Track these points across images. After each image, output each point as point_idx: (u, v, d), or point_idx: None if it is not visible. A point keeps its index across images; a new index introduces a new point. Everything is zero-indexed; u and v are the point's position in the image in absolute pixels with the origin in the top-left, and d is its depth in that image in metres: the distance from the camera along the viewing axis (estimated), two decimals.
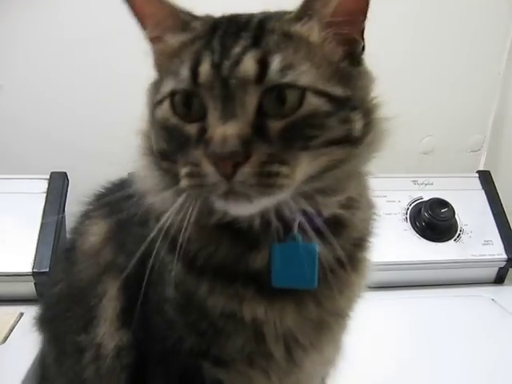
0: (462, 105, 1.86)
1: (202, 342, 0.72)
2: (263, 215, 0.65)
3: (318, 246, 0.68)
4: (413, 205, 1.60)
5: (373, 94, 0.68)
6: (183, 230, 0.63)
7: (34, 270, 1.30)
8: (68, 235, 0.98)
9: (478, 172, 1.73)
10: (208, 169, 0.57)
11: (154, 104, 0.65)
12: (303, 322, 0.72)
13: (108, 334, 0.79)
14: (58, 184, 1.48)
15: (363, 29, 0.67)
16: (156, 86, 0.68)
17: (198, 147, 0.59)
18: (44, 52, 1.63)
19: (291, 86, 0.59)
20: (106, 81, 1.71)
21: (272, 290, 0.69)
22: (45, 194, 1.45)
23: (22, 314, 1.25)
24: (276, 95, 0.59)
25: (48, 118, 1.71)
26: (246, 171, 0.56)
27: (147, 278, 0.74)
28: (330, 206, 0.67)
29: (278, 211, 0.64)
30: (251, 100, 0.58)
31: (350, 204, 0.70)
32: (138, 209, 0.78)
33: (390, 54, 1.67)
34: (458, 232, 1.57)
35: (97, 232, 0.86)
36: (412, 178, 1.66)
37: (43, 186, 1.47)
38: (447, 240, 1.56)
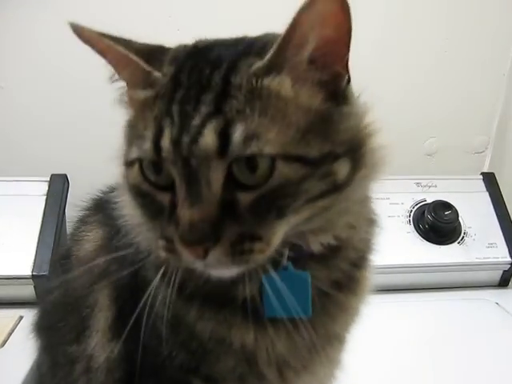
0: (466, 106, 1.84)
1: (192, 360, 0.70)
2: None
3: (309, 275, 0.66)
4: (416, 207, 1.59)
5: (363, 125, 0.62)
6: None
7: (34, 273, 1.29)
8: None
9: (483, 174, 1.71)
10: (181, 249, 0.55)
11: (125, 163, 0.61)
12: (295, 348, 0.70)
13: (99, 345, 0.77)
14: (59, 186, 1.47)
15: (347, 60, 0.60)
16: (128, 138, 0.62)
17: (170, 222, 0.56)
18: (44, 53, 1.63)
19: (256, 156, 0.53)
20: (107, 82, 1.70)
21: (262, 318, 0.66)
22: (45, 197, 1.45)
23: (21, 318, 1.25)
24: (244, 165, 0.54)
25: (48, 120, 1.71)
26: (217, 253, 0.54)
27: (139, 288, 0.73)
28: (321, 242, 0.65)
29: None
30: (216, 176, 0.54)
31: (345, 230, 0.67)
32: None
33: (393, 56, 1.67)
34: (462, 235, 1.56)
35: (92, 239, 0.84)
36: (415, 180, 1.65)
37: (43, 188, 1.46)
38: (451, 243, 1.55)
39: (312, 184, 0.56)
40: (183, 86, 0.57)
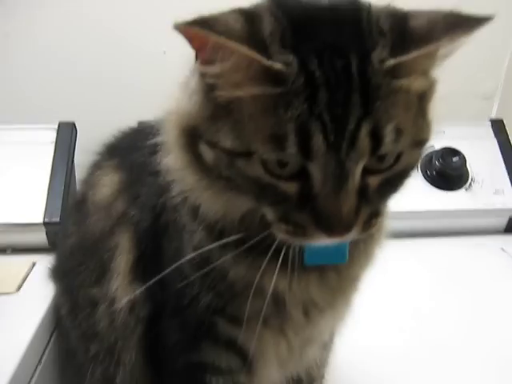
0: (474, 50, 1.81)
1: (219, 302, 0.72)
2: None
3: None
4: (424, 153, 1.57)
5: None
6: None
7: (46, 220, 1.30)
8: (78, 186, 0.98)
9: (491, 121, 1.70)
10: (316, 234, 0.57)
11: (231, 152, 0.57)
12: (324, 290, 0.73)
13: (121, 287, 0.80)
14: (67, 134, 1.47)
15: None
16: (214, 112, 0.58)
17: (301, 211, 0.57)
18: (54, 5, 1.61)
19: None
20: (114, 32, 1.70)
21: (295, 265, 0.68)
22: (54, 144, 1.45)
23: (34, 264, 1.26)
24: (378, 156, 0.56)
25: (56, 68, 1.70)
26: (352, 233, 0.58)
27: (161, 231, 0.75)
28: None
29: None
30: (359, 170, 0.56)
31: None
32: (152, 158, 0.77)
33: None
34: (469, 181, 1.56)
35: (108, 183, 0.85)
36: None
37: (52, 135, 1.46)
38: (458, 189, 1.55)
39: (415, 167, 0.63)
40: (320, 83, 0.53)
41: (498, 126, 1.68)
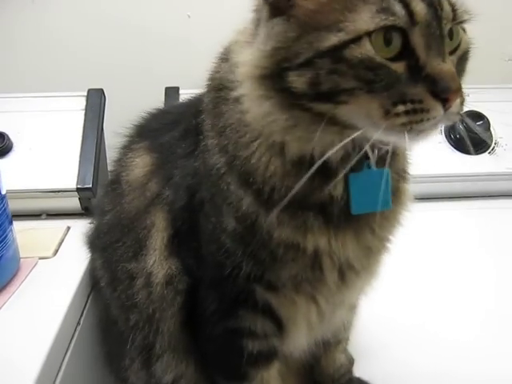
0: (498, 11, 1.79)
1: (259, 269, 0.76)
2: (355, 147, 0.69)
3: (389, 171, 0.73)
4: None
5: None
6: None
7: (78, 186, 1.34)
8: (110, 166, 1.01)
9: None
10: (433, 104, 0.60)
11: (338, 45, 0.60)
12: (359, 250, 0.77)
13: (158, 262, 0.84)
14: (96, 101, 1.49)
15: None
16: (302, 32, 0.62)
17: (414, 85, 0.61)
18: None
19: (463, 22, 0.67)
20: (143, 2, 1.72)
21: (336, 222, 0.73)
22: (83, 111, 1.47)
23: (69, 228, 1.31)
24: (448, 33, 0.64)
25: (85, 37, 1.72)
26: (458, 102, 0.63)
27: (197, 209, 0.78)
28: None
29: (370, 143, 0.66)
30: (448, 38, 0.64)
31: None
32: (183, 141, 0.82)
33: None
34: (493, 145, 1.56)
35: (141, 164, 0.89)
36: None
37: (81, 103, 1.49)
38: (482, 153, 1.55)
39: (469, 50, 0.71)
40: None
41: None
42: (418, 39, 0.61)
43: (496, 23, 1.79)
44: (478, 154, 1.55)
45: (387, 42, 0.60)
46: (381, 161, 0.71)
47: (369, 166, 0.72)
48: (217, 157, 0.75)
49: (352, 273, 0.80)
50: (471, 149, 1.52)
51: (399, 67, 0.61)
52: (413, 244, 1.24)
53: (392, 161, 0.73)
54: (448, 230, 1.42)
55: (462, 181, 1.54)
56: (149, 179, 0.87)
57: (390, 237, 0.83)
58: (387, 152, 0.69)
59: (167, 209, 0.84)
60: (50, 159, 1.39)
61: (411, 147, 0.72)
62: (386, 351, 1.04)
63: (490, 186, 1.57)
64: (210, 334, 0.85)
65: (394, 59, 0.61)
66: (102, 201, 1.01)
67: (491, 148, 1.56)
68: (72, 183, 1.35)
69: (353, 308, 0.98)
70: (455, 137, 1.56)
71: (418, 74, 0.61)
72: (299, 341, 0.89)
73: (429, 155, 1.50)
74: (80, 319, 1.04)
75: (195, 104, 0.86)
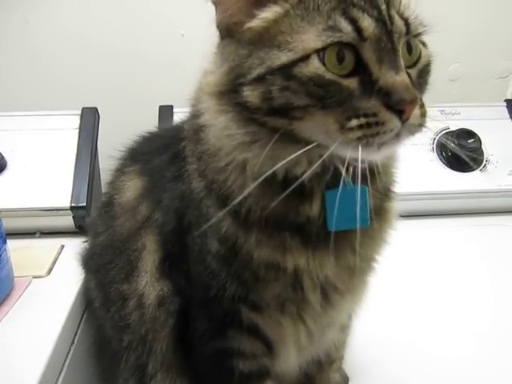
0: (489, 30, 1.82)
1: (243, 290, 0.77)
2: (327, 164, 0.70)
3: (367, 188, 0.74)
4: (440, 135, 1.60)
5: None
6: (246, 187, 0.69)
7: (72, 205, 1.35)
8: (104, 187, 1.03)
9: (506, 101, 1.70)
10: (388, 117, 0.61)
11: (285, 64, 0.62)
12: (341, 270, 0.77)
13: (149, 284, 0.85)
14: (90, 119, 1.50)
15: None
16: (254, 50, 0.65)
17: (369, 99, 0.61)
18: None
19: (417, 36, 0.68)
20: (134, 19, 1.74)
21: (314, 241, 0.74)
22: (78, 130, 1.48)
23: (63, 247, 1.31)
24: (407, 47, 0.66)
25: (79, 56, 1.73)
26: (416, 114, 0.63)
27: (185, 231, 0.79)
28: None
29: (342, 159, 0.68)
30: (402, 51, 0.65)
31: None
32: (172, 165, 0.84)
33: None
34: (484, 162, 1.57)
35: (132, 188, 0.91)
36: (439, 107, 1.64)
37: (76, 121, 1.49)
38: (473, 170, 1.57)
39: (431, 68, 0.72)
40: None
41: None
42: (369, 54, 0.62)
43: (487, 42, 1.82)
44: (469, 171, 1.56)
45: (340, 59, 0.62)
46: (361, 178, 0.71)
47: (345, 184, 0.71)
48: (197, 181, 0.77)
49: (336, 293, 0.80)
50: (469, 163, 1.54)
51: (351, 83, 0.62)
52: (405, 261, 1.26)
53: (374, 179, 0.74)
54: (440, 248, 1.42)
55: (454, 198, 1.55)
56: (139, 202, 0.88)
57: (376, 256, 0.83)
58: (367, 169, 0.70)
59: (157, 231, 0.85)
60: (45, 177, 1.39)
61: (377, 160, 0.71)
62: (380, 369, 1.04)
63: (481, 203, 1.58)
64: (201, 354, 0.85)
65: (347, 75, 0.62)
66: (95, 222, 1.02)
67: (482, 165, 1.57)
68: (66, 202, 1.35)
69: (345, 328, 0.98)
70: (447, 154, 1.57)
71: (372, 88, 0.62)
72: (289, 361, 0.89)
73: (420, 173, 1.52)
74: (74, 338, 1.04)
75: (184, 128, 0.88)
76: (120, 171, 0.97)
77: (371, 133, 0.62)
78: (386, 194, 0.80)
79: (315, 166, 0.66)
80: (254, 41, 0.66)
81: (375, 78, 0.62)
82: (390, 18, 0.63)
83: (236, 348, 0.83)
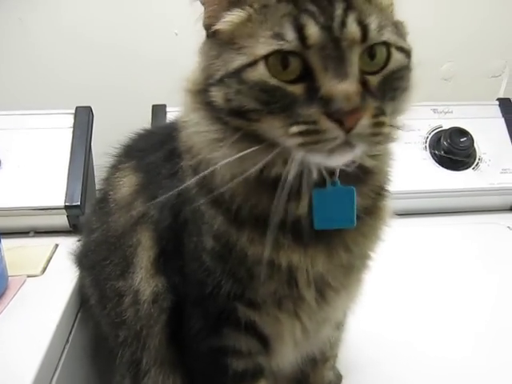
0: (482, 29, 1.82)
1: (239, 287, 0.78)
2: (306, 164, 0.69)
3: (354, 189, 0.74)
4: (432, 133, 1.61)
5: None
6: (231, 184, 0.69)
7: (66, 204, 1.34)
8: (98, 185, 1.03)
9: (499, 100, 1.71)
10: (327, 125, 0.60)
11: (238, 68, 0.64)
12: (334, 267, 0.78)
13: (144, 280, 0.86)
14: (84, 118, 1.49)
15: None
16: (221, 51, 0.68)
17: (309, 107, 0.61)
18: None
19: (386, 43, 0.65)
20: (127, 18, 1.73)
21: (306, 238, 0.74)
22: (71, 129, 1.48)
23: (57, 246, 1.31)
24: (368, 53, 0.64)
25: (72, 54, 1.73)
26: (363, 123, 0.60)
27: (181, 228, 0.80)
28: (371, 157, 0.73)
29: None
30: (356, 58, 0.62)
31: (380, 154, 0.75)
32: (167, 162, 0.84)
33: None
34: (477, 160, 1.58)
35: (127, 184, 0.91)
36: (432, 106, 1.65)
37: (70, 120, 1.49)
38: (466, 169, 1.58)
39: (408, 74, 0.69)
40: None
41: (505, 105, 1.69)
42: (315, 62, 0.61)
43: (480, 41, 1.83)
44: (462, 170, 1.57)
45: (284, 65, 0.62)
46: (351, 178, 0.72)
47: (333, 183, 0.72)
48: (190, 177, 0.77)
49: (330, 290, 0.81)
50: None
51: (297, 89, 0.62)
52: (399, 260, 1.26)
53: (367, 178, 0.75)
54: (433, 246, 1.43)
55: (447, 196, 1.57)
56: (135, 198, 0.89)
57: (370, 253, 0.84)
58: (358, 169, 0.72)
59: (152, 228, 0.86)
60: (39, 176, 1.39)
61: (338, 166, 0.70)
62: (374, 367, 1.04)
63: (474, 201, 1.60)
64: (196, 352, 0.86)
65: (293, 81, 0.62)
66: (89, 219, 1.02)
67: (475, 164, 1.58)
68: (60, 201, 1.35)
69: (339, 326, 0.99)
70: (439, 153, 1.58)
71: (316, 96, 0.61)
72: (285, 358, 0.90)
73: (413, 171, 1.53)
74: (69, 337, 1.04)
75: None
76: (115, 167, 0.97)
77: (311, 140, 0.61)
78: (379, 192, 0.80)
79: (291, 166, 0.65)
80: (221, 43, 0.68)
81: (319, 86, 0.61)
82: (343, 24, 0.62)
83: (231, 346, 0.83)
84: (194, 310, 0.83)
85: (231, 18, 0.67)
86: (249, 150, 0.65)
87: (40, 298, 1.07)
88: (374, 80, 0.64)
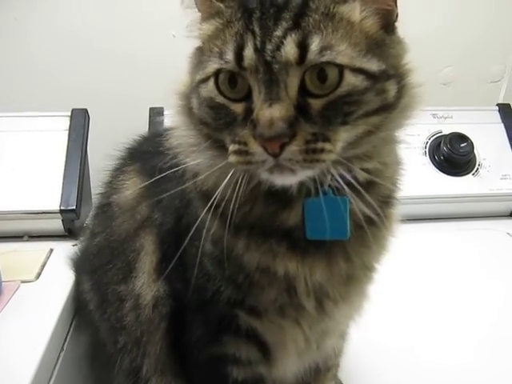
0: (482, 34, 1.82)
1: (239, 293, 0.77)
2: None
3: (348, 200, 0.71)
4: (432, 139, 1.60)
5: (405, 60, 0.69)
6: (221, 193, 0.68)
7: (62, 208, 1.33)
8: (99, 189, 1.01)
9: (498, 105, 1.71)
10: (255, 148, 0.60)
11: (198, 81, 0.67)
12: (333, 277, 0.76)
13: (146, 284, 0.85)
14: (80, 121, 1.48)
15: None
16: (199, 61, 0.69)
17: (244, 127, 0.61)
18: None
19: (329, 64, 0.60)
20: (124, 19, 1.72)
21: (304, 247, 0.73)
22: (67, 132, 1.46)
23: (51, 250, 1.29)
24: (316, 74, 0.61)
25: (68, 56, 1.72)
26: (292, 149, 0.59)
27: (184, 232, 0.78)
28: (364, 168, 0.70)
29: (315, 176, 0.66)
30: (293, 81, 0.60)
31: (380, 166, 0.73)
32: (173, 164, 0.82)
33: None
34: (477, 166, 1.58)
35: (131, 187, 0.90)
36: (432, 111, 1.65)
37: (65, 123, 1.47)
38: (465, 174, 1.57)
39: (370, 97, 0.63)
40: (258, 8, 0.63)
41: (505, 110, 1.69)
42: (252, 83, 0.61)
43: (479, 46, 1.82)
44: (461, 175, 1.57)
45: (232, 83, 0.63)
46: (355, 188, 0.69)
47: (325, 193, 0.70)
48: (189, 181, 0.76)
49: (329, 301, 0.79)
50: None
51: (238, 108, 0.63)
52: (398, 266, 1.24)
53: (370, 188, 0.72)
54: (434, 252, 1.42)
55: (446, 202, 1.56)
56: (139, 202, 0.88)
57: (375, 264, 0.82)
58: (362, 182, 0.69)
59: (156, 232, 0.85)
60: (33, 180, 1.37)
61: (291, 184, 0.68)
62: (376, 376, 1.03)
63: (473, 207, 1.59)
64: (196, 360, 0.85)
65: (238, 100, 0.63)
66: (91, 223, 1.01)
67: (475, 169, 1.57)
68: (55, 205, 1.33)
69: (343, 335, 0.98)
70: (439, 158, 1.57)
71: (249, 116, 0.61)
72: (288, 368, 0.89)
73: (413, 177, 1.50)
74: (64, 345, 1.02)
75: None
76: (119, 170, 0.96)
77: (244, 160, 0.62)
78: (385, 201, 0.78)
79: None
80: (200, 51, 0.70)
81: (253, 107, 0.61)
82: (277, 46, 0.60)
83: (231, 354, 0.82)
84: (195, 316, 0.82)
85: (205, 28, 0.69)
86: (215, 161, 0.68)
87: (34, 304, 1.05)
88: (316, 104, 0.61)
